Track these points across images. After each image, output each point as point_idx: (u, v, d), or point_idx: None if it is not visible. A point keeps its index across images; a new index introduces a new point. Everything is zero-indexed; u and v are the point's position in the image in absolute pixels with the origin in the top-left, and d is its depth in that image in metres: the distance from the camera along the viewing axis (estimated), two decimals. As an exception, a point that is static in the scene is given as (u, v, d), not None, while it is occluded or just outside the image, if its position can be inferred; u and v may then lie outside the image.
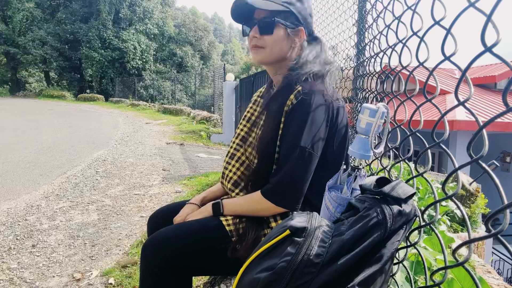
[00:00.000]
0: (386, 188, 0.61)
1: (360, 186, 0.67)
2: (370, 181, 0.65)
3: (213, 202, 1.08)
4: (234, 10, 1.05)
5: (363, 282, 0.54)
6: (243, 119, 1.20)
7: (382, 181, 0.64)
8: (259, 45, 1.04)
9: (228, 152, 1.18)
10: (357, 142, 0.78)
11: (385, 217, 0.57)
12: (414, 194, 0.60)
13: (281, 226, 0.63)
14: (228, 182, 1.11)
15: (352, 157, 0.80)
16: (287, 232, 0.59)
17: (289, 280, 0.54)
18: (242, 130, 1.18)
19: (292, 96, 0.97)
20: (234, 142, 1.17)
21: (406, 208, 0.60)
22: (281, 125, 0.98)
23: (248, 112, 1.21)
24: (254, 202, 0.99)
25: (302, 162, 0.93)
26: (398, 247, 0.62)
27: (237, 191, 1.08)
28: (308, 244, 0.57)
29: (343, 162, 1.05)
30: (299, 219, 0.62)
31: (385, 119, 0.75)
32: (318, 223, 0.61)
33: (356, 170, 0.79)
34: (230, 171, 1.12)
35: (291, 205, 0.96)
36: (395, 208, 0.59)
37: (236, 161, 1.12)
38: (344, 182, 0.81)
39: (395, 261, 0.87)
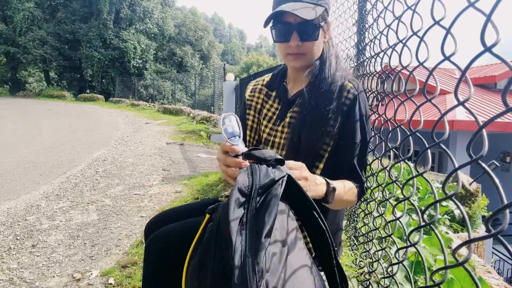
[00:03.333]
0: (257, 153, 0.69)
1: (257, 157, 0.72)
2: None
3: (329, 185, 0.87)
4: (272, 18, 0.97)
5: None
6: (253, 110, 1.14)
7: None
8: (301, 52, 0.98)
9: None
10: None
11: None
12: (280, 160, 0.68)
13: (203, 217, 0.70)
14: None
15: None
16: (207, 216, 0.68)
17: (215, 240, 0.60)
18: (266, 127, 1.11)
19: (344, 94, 0.98)
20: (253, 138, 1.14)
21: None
22: (333, 122, 0.96)
23: (255, 102, 1.14)
24: (353, 196, 0.97)
25: (366, 154, 1.01)
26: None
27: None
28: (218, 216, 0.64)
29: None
30: (212, 205, 0.71)
31: (224, 122, 0.82)
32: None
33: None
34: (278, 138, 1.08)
35: None
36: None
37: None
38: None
39: (395, 261, 0.87)
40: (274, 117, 1.08)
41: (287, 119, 1.03)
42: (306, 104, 0.99)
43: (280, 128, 1.04)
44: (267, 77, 1.18)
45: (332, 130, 0.96)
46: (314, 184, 0.81)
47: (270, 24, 1.00)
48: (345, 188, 0.92)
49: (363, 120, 0.99)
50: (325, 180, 0.86)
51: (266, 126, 1.09)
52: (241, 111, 1.23)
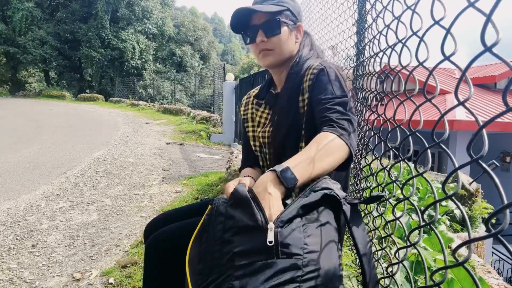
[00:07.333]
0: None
1: None
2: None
3: (275, 171, 0.75)
4: (235, 19, 1.04)
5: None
6: (250, 121, 1.21)
7: None
8: (269, 48, 1.04)
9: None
10: None
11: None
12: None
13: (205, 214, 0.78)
14: None
15: None
16: (209, 207, 0.78)
17: (212, 223, 0.72)
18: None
19: (309, 71, 1.01)
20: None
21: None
22: (302, 98, 1.01)
23: (249, 113, 1.21)
24: (326, 142, 0.82)
25: (343, 104, 0.92)
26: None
27: None
28: (215, 203, 0.76)
29: None
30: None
31: None
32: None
33: None
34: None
35: (355, 134, 0.91)
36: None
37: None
38: None
39: (395, 261, 0.87)
40: (267, 122, 1.14)
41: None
42: (281, 98, 1.06)
43: (268, 129, 1.11)
44: (256, 90, 1.26)
45: (303, 105, 1.01)
46: (268, 195, 0.71)
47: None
48: (304, 151, 0.81)
49: (332, 79, 0.95)
50: (272, 173, 0.75)
51: (259, 132, 1.15)
52: (242, 128, 1.29)
